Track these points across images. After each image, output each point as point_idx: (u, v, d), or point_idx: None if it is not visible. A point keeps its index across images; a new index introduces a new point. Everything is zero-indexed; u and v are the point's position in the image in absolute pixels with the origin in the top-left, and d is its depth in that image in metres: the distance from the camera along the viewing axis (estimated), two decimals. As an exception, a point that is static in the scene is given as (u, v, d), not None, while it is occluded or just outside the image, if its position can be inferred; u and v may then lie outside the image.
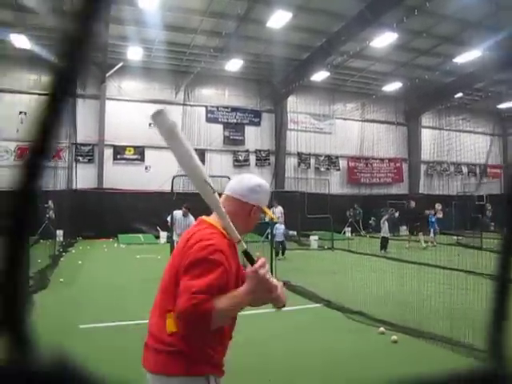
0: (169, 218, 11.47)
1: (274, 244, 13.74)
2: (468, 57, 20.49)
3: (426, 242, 17.68)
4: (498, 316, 0.49)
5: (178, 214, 11.18)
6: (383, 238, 15.98)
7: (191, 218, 10.19)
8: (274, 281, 1.98)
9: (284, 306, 2.12)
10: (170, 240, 11.95)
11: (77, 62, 0.42)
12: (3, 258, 0.42)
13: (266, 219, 16.84)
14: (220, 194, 2.20)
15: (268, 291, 1.96)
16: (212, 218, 2.17)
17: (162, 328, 1.97)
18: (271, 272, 10.19)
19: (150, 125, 22.78)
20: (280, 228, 14.82)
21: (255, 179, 2.24)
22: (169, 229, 12.25)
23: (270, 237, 12.59)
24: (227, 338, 2.13)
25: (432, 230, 18.38)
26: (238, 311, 2.02)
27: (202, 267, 1.89)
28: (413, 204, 19.37)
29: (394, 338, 5.78)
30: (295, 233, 20.86)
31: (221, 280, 1.90)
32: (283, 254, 14.78)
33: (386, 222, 16.19)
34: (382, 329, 6.18)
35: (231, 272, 2.01)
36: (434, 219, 18.69)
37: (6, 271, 0.42)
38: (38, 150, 0.45)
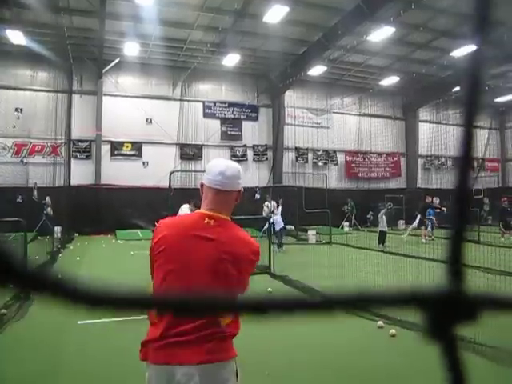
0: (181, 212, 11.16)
1: (274, 239, 13.92)
2: (465, 50, 20.46)
3: (424, 236, 17.66)
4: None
5: (184, 208, 11.07)
6: (381, 232, 16.00)
7: None
8: None
9: None
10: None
11: None
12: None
13: (264, 214, 16.96)
14: (201, 185, 2.27)
15: None
16: (216, 212, 2.22)
17: (213, 324, 2.07)
18: (269, 267, 10.22)
19: (147, 120, 22.85)
20: (277, 218, 15.07)
21: (235, 166, 2.29)
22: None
23: (267, 232, 12.63)
24: None
25: (430, 224, 18.37)
26: None
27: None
28: (429, 199, 19.26)
29: (393, 331, 5.81)
30: (293, 227, 20.89)
31: None
32: (281, 246, 14.92)
33: (384, 216, 16.18)
34: (380, 323, 6.20)
35: None
36: (432, 213, 18.68)
37: None
38: None
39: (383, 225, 15.99)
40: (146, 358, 2.09)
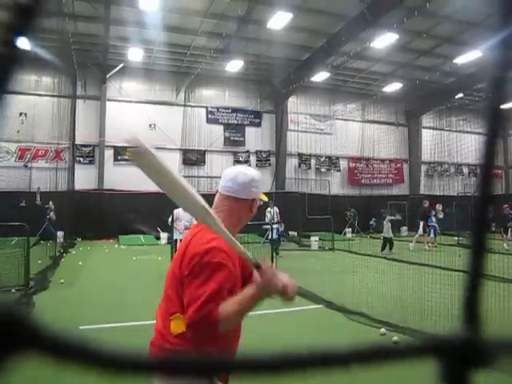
0: (170, 219, 11.42)
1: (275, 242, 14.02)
2: (468, 57, 20.51)
3: (427, 243, 17.54)
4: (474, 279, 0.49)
5: (179, 210, 11.24)
6: (385, 238, 15.97)
7: None
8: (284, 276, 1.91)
9: (293, 298, 1.94)
10: (170, 241, 11.89)
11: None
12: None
13: (267, 220, 16.96)
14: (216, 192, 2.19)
15: (278, 283, 1.84)
16: None
17: (167, 330, 1.98)
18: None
19: (150, 126, 22.90)
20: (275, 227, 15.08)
21: (249, 173, 2.16)
22: (169, 229, 12.23)
23: (270, 238, 12.64)
24: (236, 337, 2.13)
25: (432, 231, 18.28)
26: (249, 310, 1.91)
27: (206, 272, 1.89)
28: (426, 204, 19.20)
29: (395, 338, 5.77)
30: (295, 233, 20.87)
31: (228, 281, 1.90)
32: (277, 252, 14.87)
33: (389, 223, 16.10)
34: (382, 330, 6.17)
35: (236, 272, 2.00)
36: (434, 220, 18.60)
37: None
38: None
39: (386, 231, 15.94)
40: None
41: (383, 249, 15.74)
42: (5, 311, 0.39)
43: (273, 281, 1.81)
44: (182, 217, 10.92)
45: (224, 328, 1.84)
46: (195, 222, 2.24)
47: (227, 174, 2.17)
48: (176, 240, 10.87)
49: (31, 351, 0.39)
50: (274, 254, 14.38)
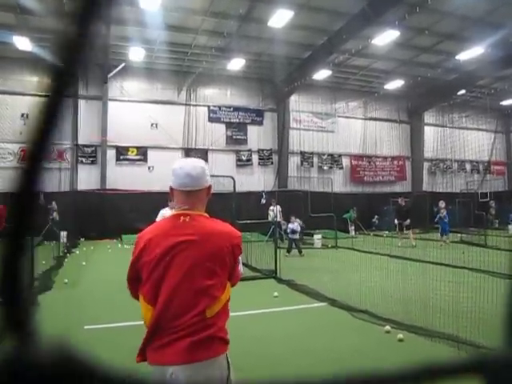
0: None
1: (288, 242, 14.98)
2: (470, 54, 20.44)
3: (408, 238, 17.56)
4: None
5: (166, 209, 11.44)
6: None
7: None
8: None
9: None
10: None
11: (75, 63, 0.41)
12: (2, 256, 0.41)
13: (270, 219, 16.95)
14: (171, 189, 2.35)
15: None
16: (191, 210, 2.29)
17: (198, 318, 2.06)
18: (275, 271, 10.20)
19: (152, 125, 22.90)
20: (292, 226, 15.20)
21: (199, 166, 2.31)
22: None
23: (274, 236, 12.64)
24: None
25: (440, 229, 18.10)
26: None
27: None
28: (402, 202, 19.21)
29: (400, 336, 5.75)
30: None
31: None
32: (300, 252, 14.97)
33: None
34: (387, 327, 6.14)
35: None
36: (442, 217, 18.32)
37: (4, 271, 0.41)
38: (35, 153, 0.43)
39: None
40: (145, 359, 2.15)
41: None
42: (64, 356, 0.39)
43: None
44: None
45: None
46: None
47: (179, 169, 2.28)
48: None
49: None
50: (298, 253, 14.70)
